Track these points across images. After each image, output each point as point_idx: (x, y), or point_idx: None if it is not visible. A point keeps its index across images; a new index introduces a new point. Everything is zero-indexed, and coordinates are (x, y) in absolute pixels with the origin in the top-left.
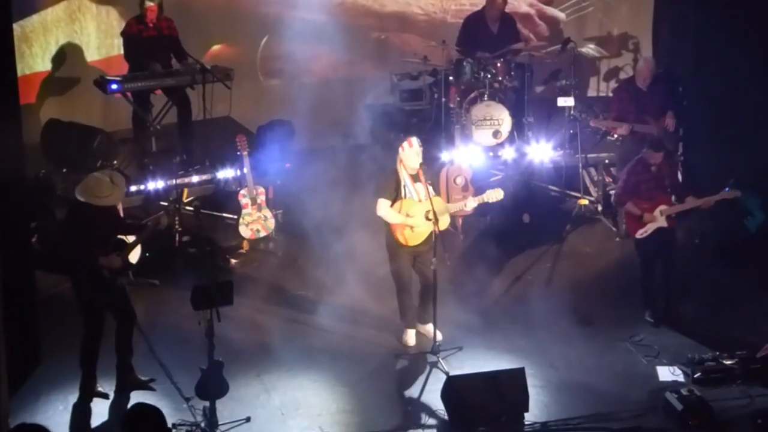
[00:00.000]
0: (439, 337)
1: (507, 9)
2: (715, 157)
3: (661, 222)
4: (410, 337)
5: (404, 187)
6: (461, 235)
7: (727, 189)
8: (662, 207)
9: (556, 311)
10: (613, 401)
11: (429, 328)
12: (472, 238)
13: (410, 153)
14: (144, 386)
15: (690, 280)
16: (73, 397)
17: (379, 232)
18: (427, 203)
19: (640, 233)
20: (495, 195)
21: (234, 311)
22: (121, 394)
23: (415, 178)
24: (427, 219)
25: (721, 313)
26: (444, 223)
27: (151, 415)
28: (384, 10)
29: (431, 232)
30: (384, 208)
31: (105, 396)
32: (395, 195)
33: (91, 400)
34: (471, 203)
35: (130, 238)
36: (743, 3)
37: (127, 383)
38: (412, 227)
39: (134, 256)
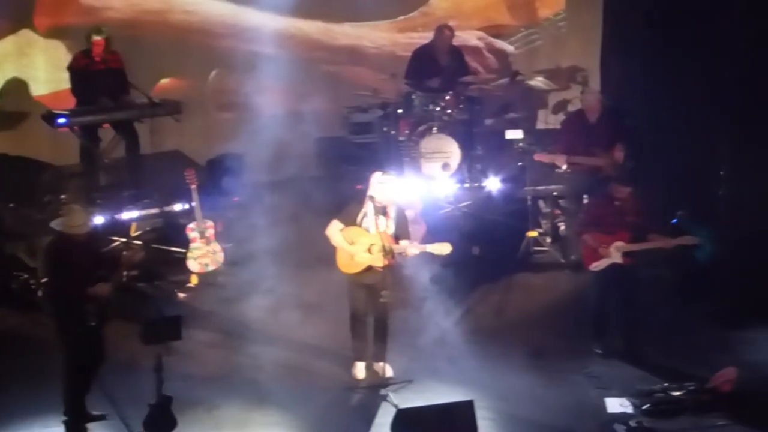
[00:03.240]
0: (390, 373)
1: (456, 42)
2: (663, 188)
3: (616, 258)
4: (359, 370)
5: (364, 215)
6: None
7: (674, 221)
8: (618, 243)
9: (506, 343)
10: None
11: (380, 366)
12: (422, 270)
13: (373, 183)
14: (96, 420)
15: (640, 311)
16: None
17: (331, 266)
18: (375, 237)
19: (594, 266)
20: (441, 249)
21: (183, 346)
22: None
23: (380, 211)
24: (369, 252)
25: (671, 345)
26: (379, 260)
27: None
28: (335, 44)
29: (372, 267)
30: (332, 228)
31: (102, 417)
32: (351, 220)
33: None
34: (413, 250)
35: None
36: (691, 38)
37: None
38: (351, 255)
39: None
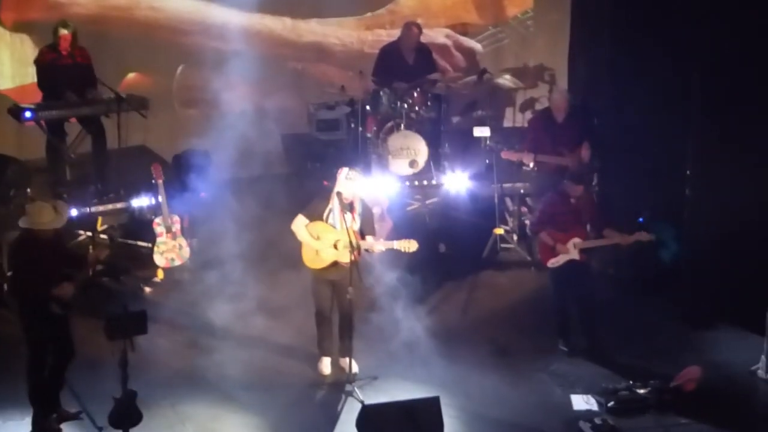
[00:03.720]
0: (355, 368)
1: (424, 39)
2: (629, 188)
3: (573, 254)
4: (325, 365)
5: (330, 211)
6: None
7: (641, 219)
8: (576, 240)
9: (472, 341)
10: (527, 430)
11: (346, 362)
12: (387, 267)
13: (340, 179)
14: (71, 419)
15: (604, 310)
16: None
17: (297, 262)
18: (342, 233)
19: (552, 263)
20: (407, 245)
21: (148, 340)
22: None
23: (346, 207)
24: (335, 248)
25: (636, 343)
26: (345, 256)
27: None
28: (301, 41)
29: (338, 262)
30: (298, 223)
31: (76, 417)
32: (317, 216)
33: None
34: (379, 246)
35: None
36: (658, 37)
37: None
38: (317, 250)
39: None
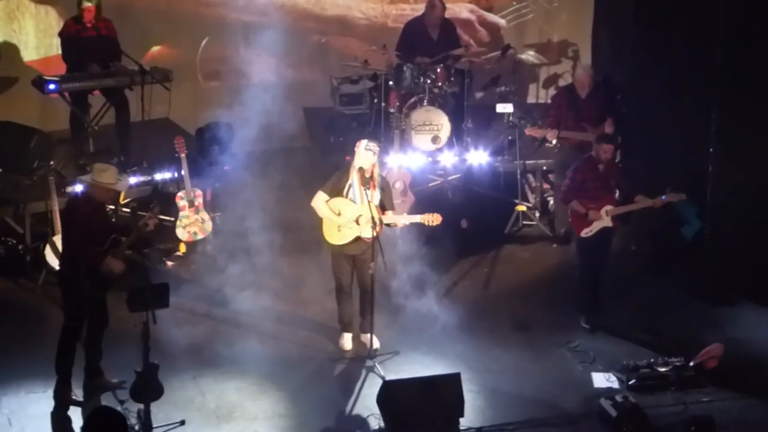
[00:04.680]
0: (377, 344)
1: (447, 15)
2: (652, 164)
3: (606, 221)
4: (347, 341)
5: (350, 186)
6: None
7: (663, 197)
8: (608, 207)
9: (493, 316)
10: (548, 407)
11: (367, 337)
12: (409, 243)
13: (359, 152)
14: (115, 388)
15: (626, 287)
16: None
17: (318, 237)
18: (363, 208)
19: (585, 232)
20: (431, 219)
21: (170, 314)
22: (92, 398)
23: (366, 182)
24: (357, 223)
25: (656, 320)
26: (367, 231)
27: (114, 419)
28: (325, 14)
29: (359, 238)
30: (318, 199)
31: (79, 404)
32: (338, 192)
33: (68, 408)
34: (402, 220)
35: None
36: (681, 14)
37: (97, 386)
38: (338, 226)
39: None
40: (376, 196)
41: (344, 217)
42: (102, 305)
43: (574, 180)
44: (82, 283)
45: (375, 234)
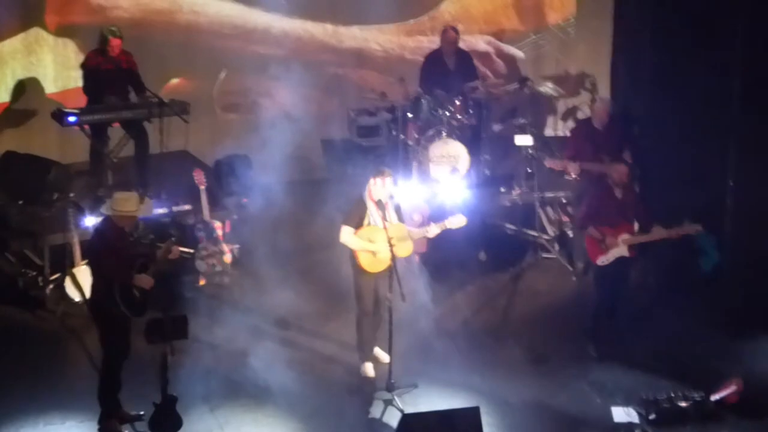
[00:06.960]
0: (386, 359)
1: (465, 47)
2: (669, 196)
3: (623, 250)
4: (369, 369)
5: (369, 215)
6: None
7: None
8: (624, 235)
9: (512, 349)
10: None
11: (378, 351)
12: (428, 274)
13: (379, 187)
14: (133, 420)
15: (644, 318)
16: None
17: (335, 267)
18: (391, 228)
19: (602, 260)
20: (457, 221)
21: (188, 345)
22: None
23: (380, 205)
24: (391, 245)
25: (675, 352)
26: (406, 249)
27: None
28: (342, 46)
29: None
30: (346, 234)
31: (138, 418)
32: (360, 223)
33: None
34: (434, 229)
35: None
36: (699, 46)
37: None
38: (374, 253)
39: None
40: (392, 214)
41: (378, 243)
42: (126, 334)
43: (591, 206)
44: (116, 308)
45: (390, 264)
